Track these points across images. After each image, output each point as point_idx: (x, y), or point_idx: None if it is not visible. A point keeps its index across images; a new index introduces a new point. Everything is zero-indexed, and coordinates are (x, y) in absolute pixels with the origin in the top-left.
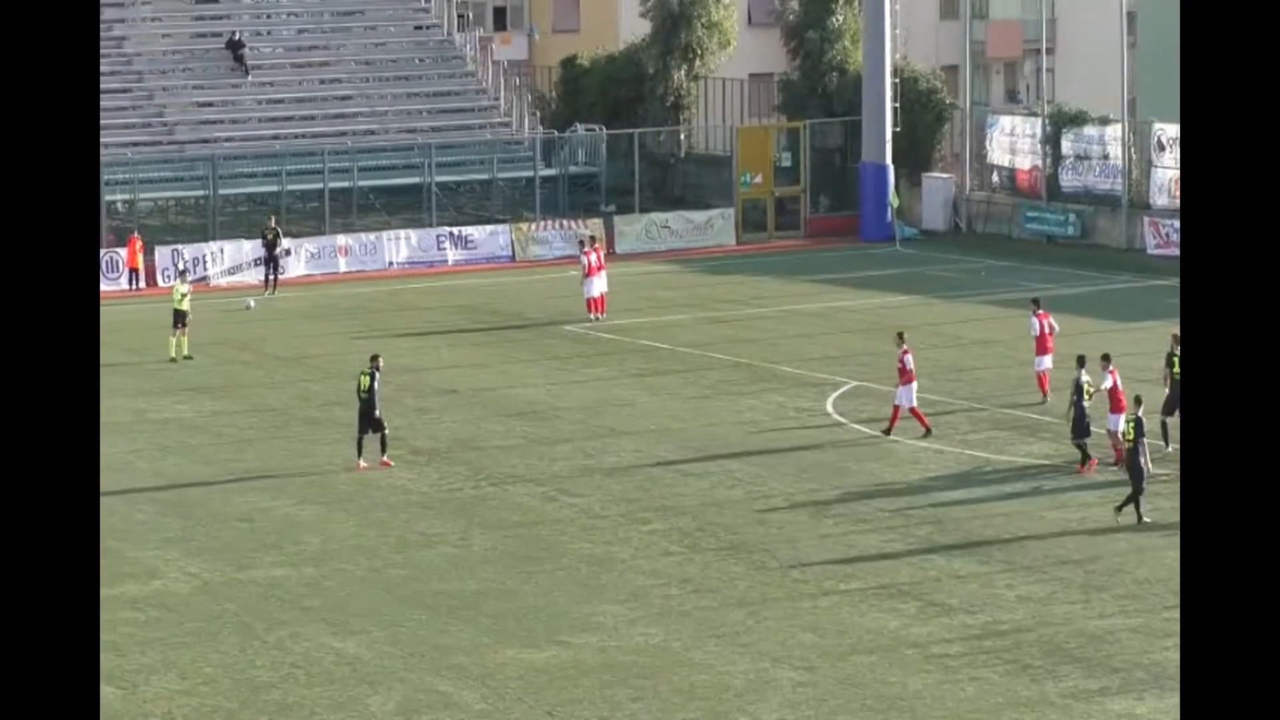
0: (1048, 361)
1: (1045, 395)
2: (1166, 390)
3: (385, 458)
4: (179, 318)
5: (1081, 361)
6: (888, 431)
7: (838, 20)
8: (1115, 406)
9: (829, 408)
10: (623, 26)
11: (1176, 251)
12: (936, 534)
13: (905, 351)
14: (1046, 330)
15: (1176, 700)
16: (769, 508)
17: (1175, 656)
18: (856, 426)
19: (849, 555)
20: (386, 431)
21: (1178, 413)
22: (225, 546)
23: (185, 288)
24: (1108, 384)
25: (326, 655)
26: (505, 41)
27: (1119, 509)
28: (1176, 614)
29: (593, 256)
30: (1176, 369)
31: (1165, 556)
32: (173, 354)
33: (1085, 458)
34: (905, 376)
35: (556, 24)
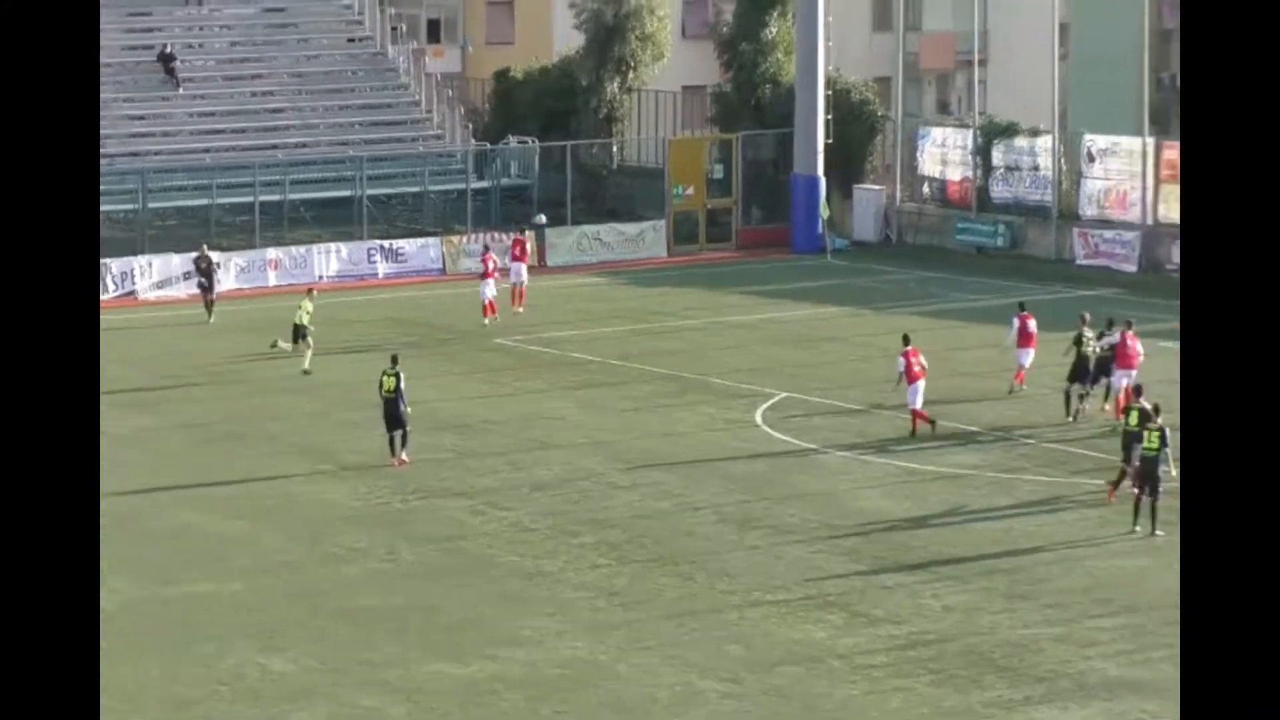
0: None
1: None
2: (1072, 360)
3: (404, 455)
4: (299, 332)
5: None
6: (913, 433)
7: (771, 32)
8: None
9: (758, 419)
10: (556, 39)
11: (1105, 262)
12: (863, 545)
13: (911, 353)
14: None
15: (1100, 709)
16: (697, 520)
17: (1099, 665)
18: (785, 438)
19: (776, 567)
20: (408, 430)
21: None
22: (152, 563)
23: (310, 305)
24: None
25: (252, 671)
26: (438, 54)
27: (1137, 523)
28: (1100, 622)
29: (490, 262)
30: (1085, 346)
31: (1088, 566)
32: (306, 366)
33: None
34: (911, 377)
35: (490, 36)
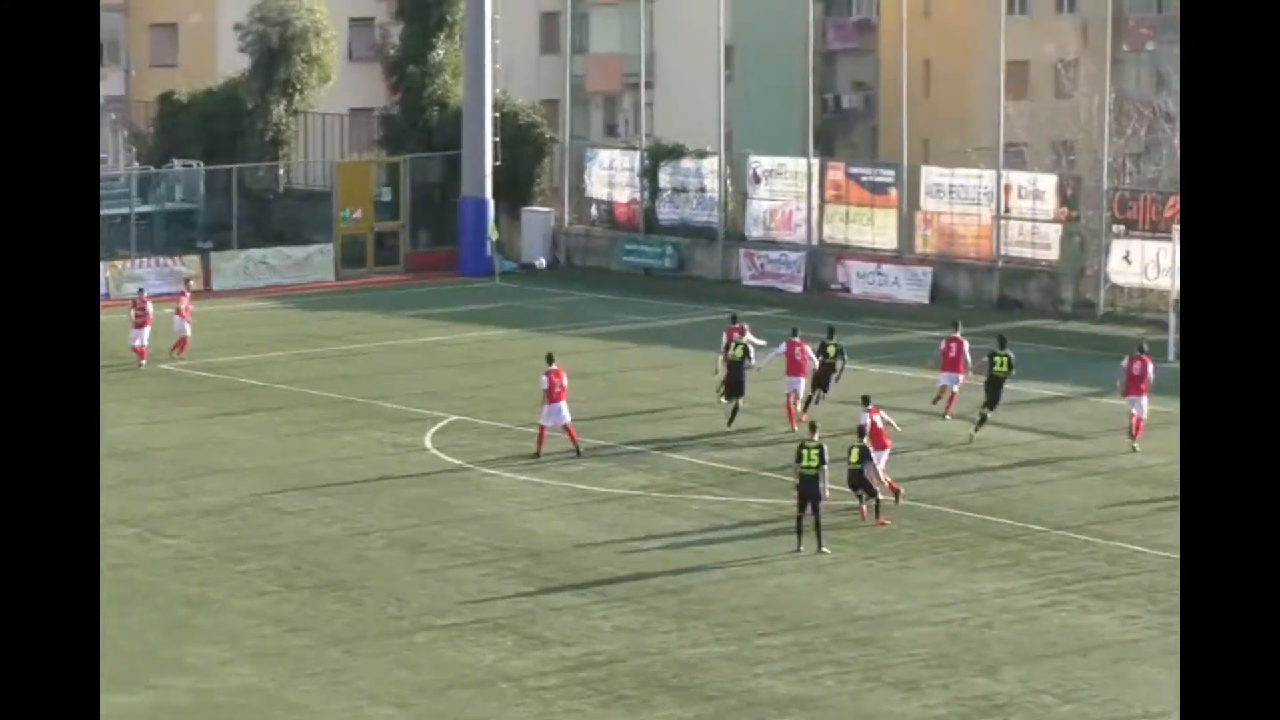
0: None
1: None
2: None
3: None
4: None
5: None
6: (536, 455)
7: (438, 55)
8: (877, 446)
9: (428, 442)
10: (221, 61)
11: (771, 282)
12: (534, 567)
13: (554, 373)
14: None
15: None
16: (367, 544)
17: (767, 683)
18: (455, 461)
19: (447, 590)
20: None
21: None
22: None
23: None
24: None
25: None
26: (102, 77)
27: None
28: (769, 640)
29: (147, 306)
30: (998, 367)
31: (757, 584)
32: None
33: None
34: (553, 396)
35: (154, 59)
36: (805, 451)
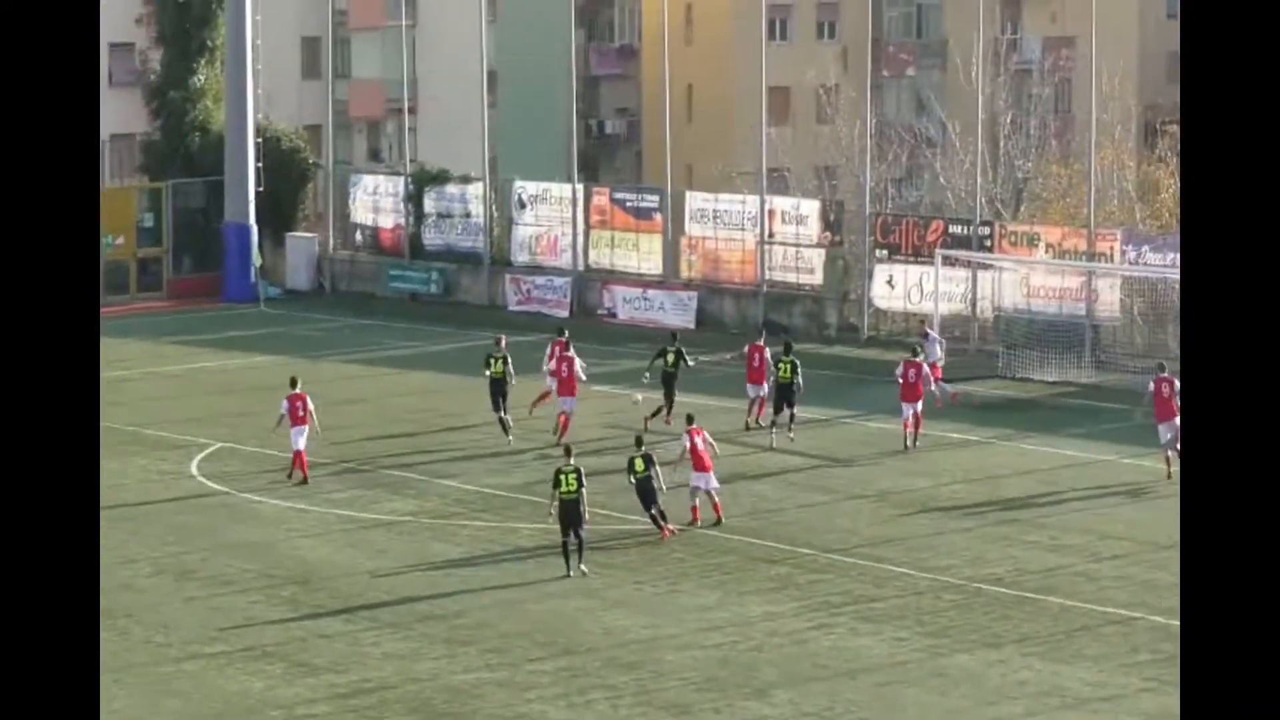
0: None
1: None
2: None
3: None
4: None
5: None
6: (289, 476)
7: (199, 80)
8: (699, 465)
9: (194, 470)
10: None
11: (538, 307)
12: (302, 593)
13: (296, 396)
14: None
15: None
16: (134, 572)
17: (539, 708)
18: (221, 488)
19: (214, 618)
20: None
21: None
22: None
23: None
24: (687, 444)
25: None
26: None
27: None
28: (540, 665)
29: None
30: (783, 374)
31: (527, 609)
32: None
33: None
34: (295, 420)
35: None
36: (563, 477)
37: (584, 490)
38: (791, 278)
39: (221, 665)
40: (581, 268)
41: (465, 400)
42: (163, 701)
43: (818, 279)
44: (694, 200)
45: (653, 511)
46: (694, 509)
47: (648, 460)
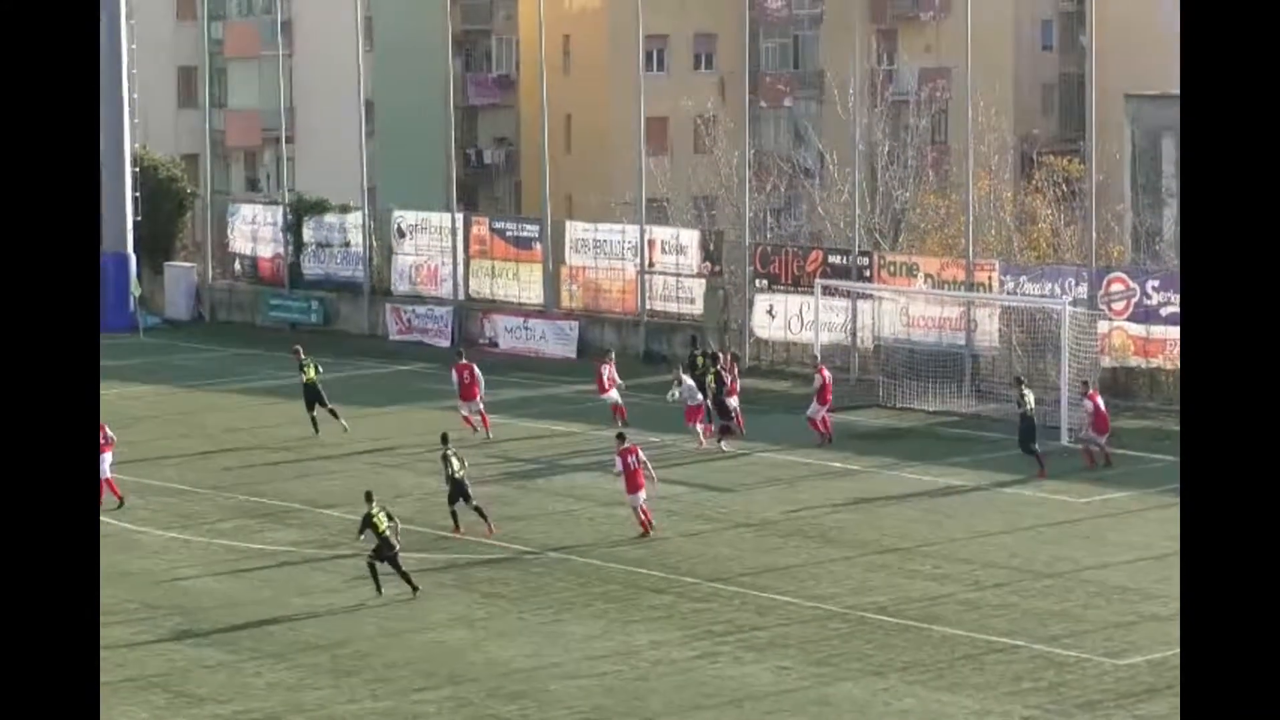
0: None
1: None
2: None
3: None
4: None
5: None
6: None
7: None
8: (632, 487)
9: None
10: None
11: (419, 336)
12: (185, 624)
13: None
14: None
15: None
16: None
17: None
18: (104, 519)
19: None
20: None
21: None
22: None
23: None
24: (618, 468)
25: None
26: None
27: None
28: (425, 695)
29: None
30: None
31: (410, 640)
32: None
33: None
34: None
35: None
36: (375, 520)
37: (397, 524)
38: (673, 307)
39: (105, 695)
40: (462, 297)
41: (344, 432)
42: None
43: (698, 309)
44: (574, 230)
45: (455, 508)
46: (643, 521)
47: (457, 459)
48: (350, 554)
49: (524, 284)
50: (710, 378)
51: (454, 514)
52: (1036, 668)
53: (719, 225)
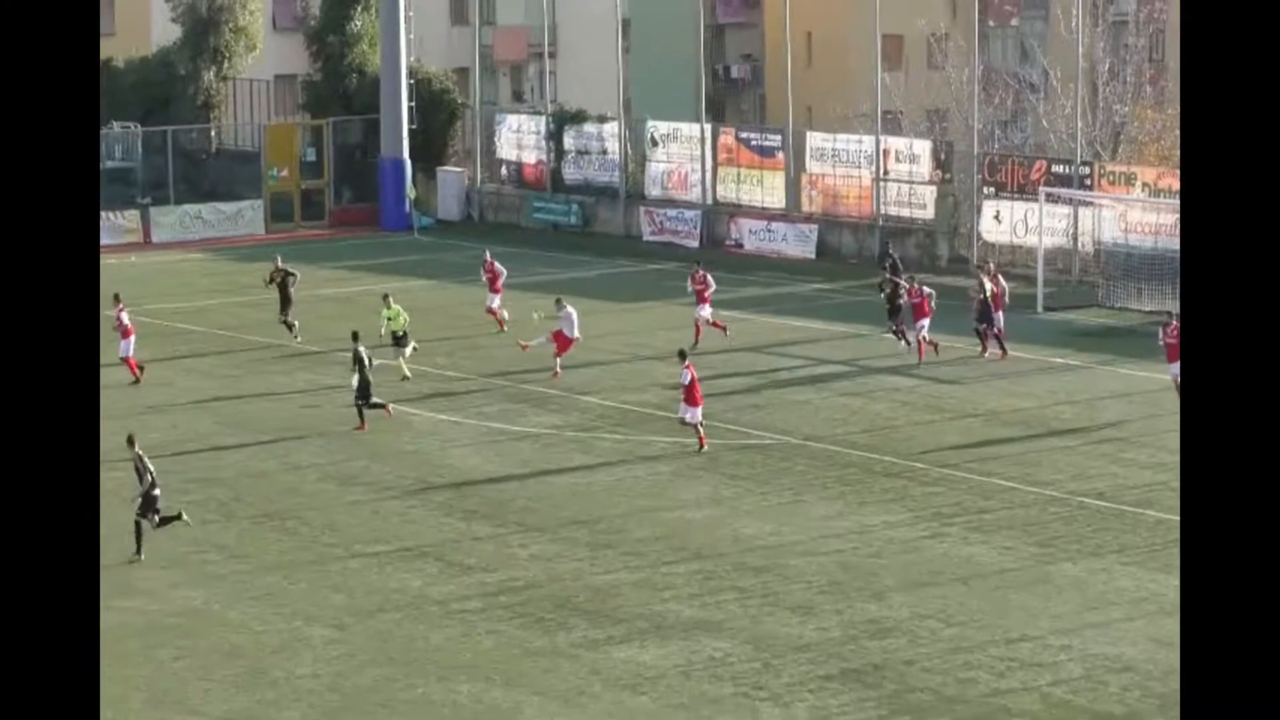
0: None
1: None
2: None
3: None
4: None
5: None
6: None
7: (356, 25)
8: (690, 399)
9: (354, 383)
10: (155, 30)
11: (669, 238)
12: (455, 499)
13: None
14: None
15: (676, 647)
16: (301, 478)
17: (674, 607)
18: (380, 400)
19: (375, 521)
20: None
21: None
22: None
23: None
24: (686, 379)
25: None
26: None
27: None
28: (674, 568)
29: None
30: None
31: (661, 517)
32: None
33: None
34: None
35: None
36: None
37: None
38: (905, 212)
39: (382, 564)
40: (710, 202)
41: (605, 323)
42: (329, 596)
43: (929, 214)
44: (814, 140)
45: (361, 403)
46: (699, 437)
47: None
48: (607, 436)
49: (767, 189)
50: (885, 289)
51: (359, 409)
52: None
53: (949, 136)
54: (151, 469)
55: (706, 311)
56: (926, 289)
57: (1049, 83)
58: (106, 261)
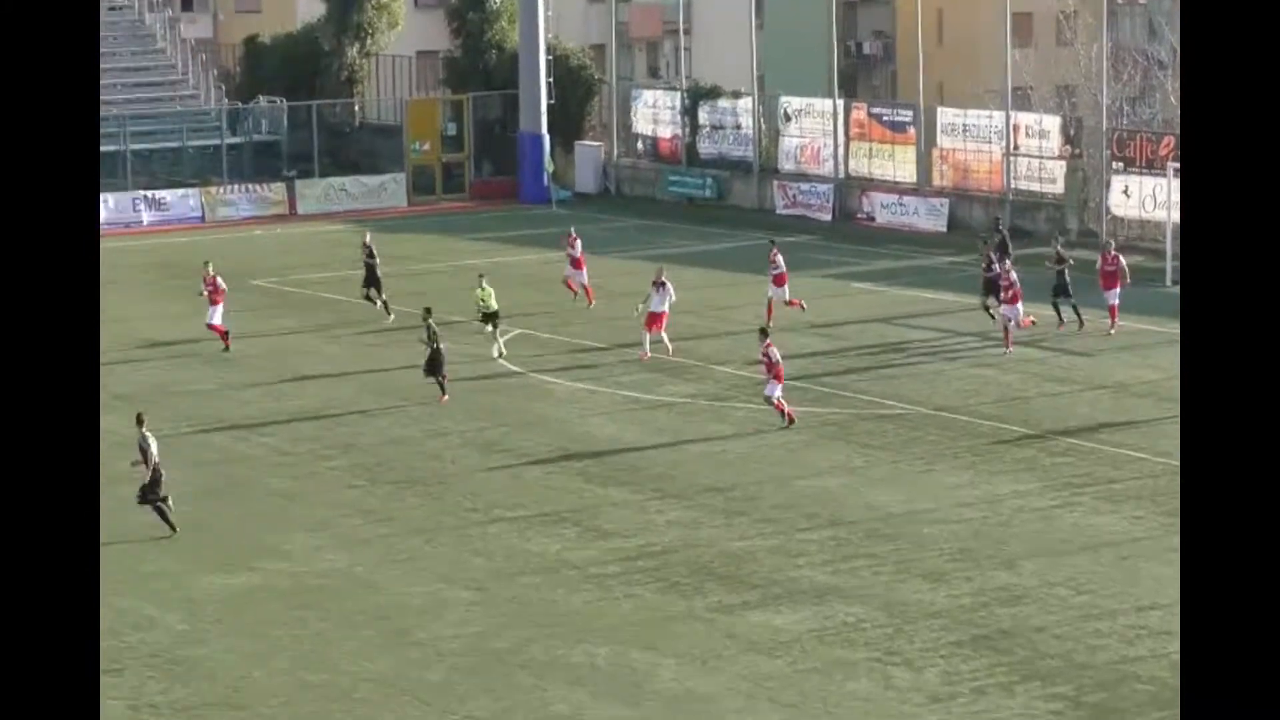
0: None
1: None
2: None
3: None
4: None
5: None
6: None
7: (496, 2)
8: (777, 375)
9: (495, 353)
10: (300, 7)
11: (802, 211)
12: (594, 466)
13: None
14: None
15: (809, 611)
16: (443, 444)
17: (808, 573)
18: (520, 369)
19: (516, 486)
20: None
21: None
22: None
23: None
24: (776, 355)
25: None
26: (192, 22)
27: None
28: (808, 535)
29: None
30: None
31: (795, 485)
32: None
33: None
34: (215, 300)
35: (239, 5)
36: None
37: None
38: (1035, 187)
39: (521, 528)
40: (842, 176)
41: (738, 294)
42: (469, 559)
43: (1059, 188)
44: (944, 115)
45: (438, 378)
46: (787, 413)
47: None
48: (741, 405)
49: (898, 164)
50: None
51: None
52: None
53: (1079, 112)
54: (155, 452)
55: (782, 291)
56: (1014, 273)
57: (1177, 60)
58: (253, 233)
